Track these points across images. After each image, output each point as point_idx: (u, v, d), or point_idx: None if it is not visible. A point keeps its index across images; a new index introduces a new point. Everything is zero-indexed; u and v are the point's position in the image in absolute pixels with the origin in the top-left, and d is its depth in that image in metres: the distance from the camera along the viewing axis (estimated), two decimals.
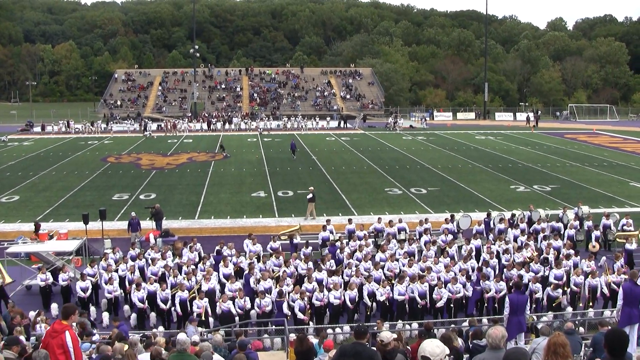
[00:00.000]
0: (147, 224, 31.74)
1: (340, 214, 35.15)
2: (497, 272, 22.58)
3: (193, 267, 22.80)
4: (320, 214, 34.59)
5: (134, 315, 21.07)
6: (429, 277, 21.34)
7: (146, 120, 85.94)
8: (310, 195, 34.38)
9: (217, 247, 24.80)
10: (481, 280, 21.23)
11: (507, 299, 15.74)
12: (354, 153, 60.40)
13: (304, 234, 29.59)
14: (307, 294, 20.25)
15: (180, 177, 47.40)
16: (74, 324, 10.84)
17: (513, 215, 30.52)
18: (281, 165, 52.65)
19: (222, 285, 21.69)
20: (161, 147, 65.01)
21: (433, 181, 45.11)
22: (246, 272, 22.27)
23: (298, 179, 46.18)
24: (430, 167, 51.52)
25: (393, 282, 21.34)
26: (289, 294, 20.25)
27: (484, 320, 18.60)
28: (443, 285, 20.92)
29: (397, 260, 23.44)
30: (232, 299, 20.12)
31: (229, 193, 41.44)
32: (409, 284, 20.85)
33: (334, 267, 22.75)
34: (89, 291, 21.90)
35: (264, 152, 61.43)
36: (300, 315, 19.61)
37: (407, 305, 20.75)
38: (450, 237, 26.48)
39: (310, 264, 22.65)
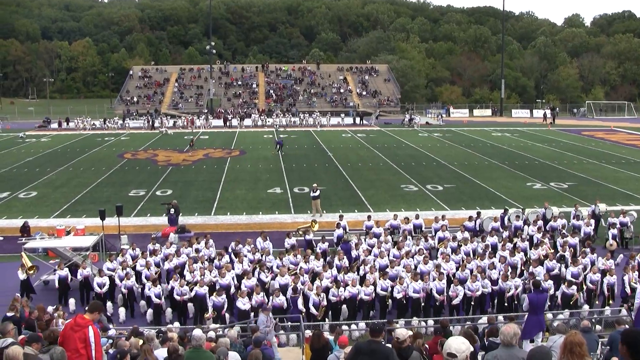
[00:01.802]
0: (163, 219, 32.09)
1: (356, 211, 35.23)
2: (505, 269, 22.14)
3: (207, 263, 22.90)
4: (335, 211, 34.43)
5: (150, 311, 21.16)
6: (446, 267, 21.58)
7: (153, 115, 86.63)
8: (314, 193, 34.16)
9: (232, 244, 24.79)
10: (501, 280, 21.11)
11: (526, 298, 15.61)
12: (370, 150, 60.32)
13: (319, 231, 29.54)
14: (321, 290, 20.30)
15: (197, 173, 47.49)
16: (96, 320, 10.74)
17: (504, 212, 30.35)
18: (297, 162, 52.71)
19: (238, 282, 21.69)
20: (177, 143, 65.09)
21: (449, 178, 44.96)
22: (252, 269, 22.41)
23: (314, 175, 46.05)
24: (446, 163, 51.35)
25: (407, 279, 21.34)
26: (302, 290, 20.35)
27: (500, 317, 18.47)
28: (459, 282, 20.97)
29: (413, 257, 23.35)
30: (249, 294, 20.12)
31: (245, 189, 41.49)
32: (427, 282, 20.88)
33: (347, 264, 22.63)
34: (106, 287, 22.02)
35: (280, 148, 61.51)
36: (313, 310, 19.59)
37: (422, 303, 20.69)
38: (467, 234, 26.21)
39: (322, 261, 22.87)
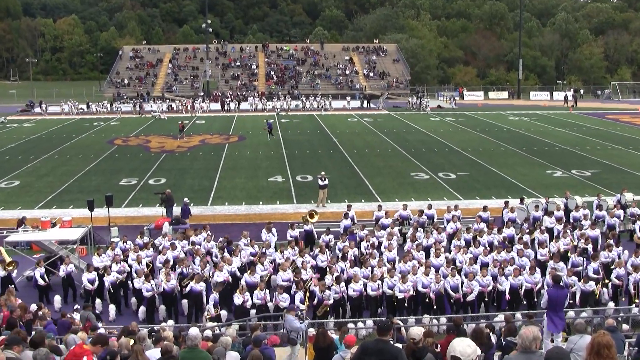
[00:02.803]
0: (156, 210, 32.18)
1: (362, 200, 35.40)
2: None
3: (202, 256, 22.99)
4: (341, 200, 34.78)
5: (142, 309, 21.16)
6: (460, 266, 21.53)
7: (140, 100, 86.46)
8: (322, 182, 34.10)
9: (221, 239, 24.83)
10: (527, 275, 20.88)
11: (545, 294, 15.51)
12: (377, 135, 60.45)
13: (324, 222, 29.54)
14: (326, 285, 20.12)
15: (192, 160, 47.66)
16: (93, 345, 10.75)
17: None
18: (300, 148, 52.84)
19: (234, 277, 21.80)
20: (172, 129, 65.01)
21: (462, 165, 45.09)
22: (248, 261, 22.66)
23: (318, 162, 46.15)
24: (459, 150, 51.46)
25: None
26: (306, 285, 20.38)
27: (518, 315, 18.42)
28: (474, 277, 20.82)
29: (424, 250, 23.42)
30: (251, 290, 20.20)
31: (244, 178, 41.57)
32: (441, 277, 20.78)
33: (354, 258, 22.81)
34: (97, 283, 21.92)
35: (281, 133, 61.55)
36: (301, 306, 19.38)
37: (432, 299, 20.66)
38: (482, 225, 26.15)
39: (328, 254, 22.82)
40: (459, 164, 45.45)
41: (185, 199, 31.26)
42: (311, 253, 23.21)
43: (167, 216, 30.86)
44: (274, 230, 25.55)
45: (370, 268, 21.49)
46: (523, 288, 20.62)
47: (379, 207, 28.96)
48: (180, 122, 61.43)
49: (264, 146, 54.05)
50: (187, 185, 39.55)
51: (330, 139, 57.91)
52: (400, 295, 20.09)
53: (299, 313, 16.68)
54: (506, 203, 29.38)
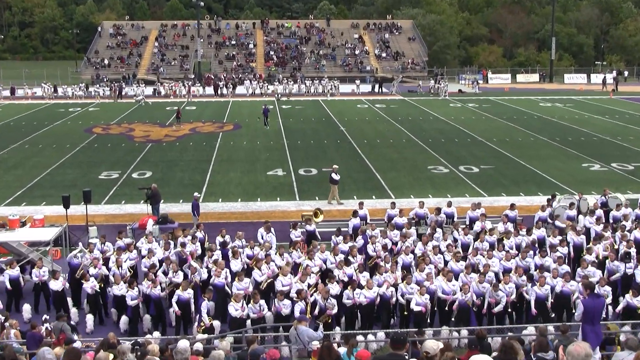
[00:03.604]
0: (141, 207, 32.15)
1: (374, 197, 35.36)
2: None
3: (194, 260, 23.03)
4: (349, 197, 34.89)
5: (124, 319, 21.14)
6: (488, 276, 21.30)
7: (121, 84, 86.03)
8: (336, 176, 34.31)
9: (218, 237, 24.90)
10: (561, 283, 20.76)
11: (580, 305, 15.44)
12: (390, 123, 60.60)
13: (331, 221, 29.58)
14: (331, 292, 20.23)
15: (182, 151, 47.87)
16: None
17: (552, 198, 30.19)
18: (303, 138, 52.94)
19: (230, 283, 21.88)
20: (158, 116, 64.98)
21: (487, 158, 45.13)
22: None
23: (323, 154, 46.46)
24: (483, 140, 51.53)
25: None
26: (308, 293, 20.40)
27: (550, 327, 18.14)
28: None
29: (442, 253, 23.45)
30: (245, 299, 20.24)
31: (239, 171, 41.71)
32: (469, 288, 20.76)
33: (363, 261, 22.95)
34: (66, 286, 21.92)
35: (282, 121, 61.68)
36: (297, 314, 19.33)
37: (450, 308, 20.69)
38: (509, 225, 26.17)
39: (356, 259, 22.91)
40: (483, 156, 45.46)
41: (196, 194, 31.49)
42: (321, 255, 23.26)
43: (153, 214, 30.91)
44: (272, 230, 25.64)
45: (383, 273, 21.51)
46: (550, 299, 20.57)
47: (392, 204, 28.92)
48: (177, 107, 61.78)
49: (262, 135, 54.14)
50: (176, 179, 39.73)
51: (337, 128, 58.03)
52: (417, 309, 20.08)
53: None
54: (549, 199, 29.36)
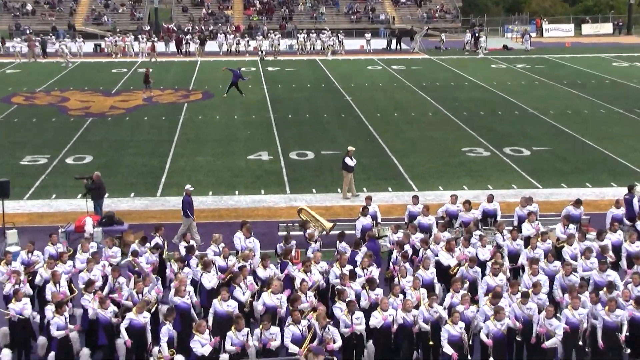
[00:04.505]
0: (78, 203, 31.10)
1: (390, 189, 33.93)
2: None
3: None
4: (358, 188, 33.25)
5: (52, 354, 19.24)
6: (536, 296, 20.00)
7: (43, 37, 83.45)
8: (352, 162, 32.73)
9: (182, 242, 23.77)
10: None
11: None
12: (412, 91, 58.60)
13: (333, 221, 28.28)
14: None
15: (133, 128, 46.25)
16: None
17: (630, 190, 28.78)
18: (295, 111, 51.05)
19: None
20: (100, 80, 63.15)
21: (541, 136, 43.68)
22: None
23: (322, 132, 45.08)
24: (536, 113, 49.86)
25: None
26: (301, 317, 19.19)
27: None
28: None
29: (484, 265, 21.96)
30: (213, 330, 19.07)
31: (211, 155, 40.28)
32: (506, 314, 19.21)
33: (376, 274, 21.49)
34: None
35: (267, 89, 59.68)
36: (292, 348, 18.29)
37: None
38: (572, 228, 24.61)
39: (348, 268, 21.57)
40: (536, 135, 43.92)
41: (188, 186, 29.05)
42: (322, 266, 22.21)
43: (95, 212, 29.60)
44: (251, 233, 24.56)
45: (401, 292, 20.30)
46: (625, 329, 18.91)
47: (415, 198, 27.39)
48: (145, 69, 60.65)
49: (240, 107, 52.18)
50: (126, 165, 38.23)
51: (340, 97, 55.92)
52: (448, 350, 18.33)
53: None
54: (628, 191, 28.17)
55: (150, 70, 60.63)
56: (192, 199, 29.03)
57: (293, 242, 24.28)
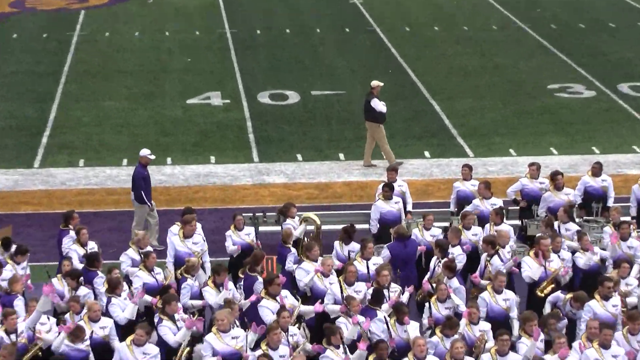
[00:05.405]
0: None
1: (427, 153, 29.40)
2: None
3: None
4: (376, 154, 28.52)
5: None
6: None
7: None
8: (382, 105, 28.44)
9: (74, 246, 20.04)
10: None
11: None
12: None
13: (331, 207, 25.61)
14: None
15: None
16: None
17: None
18: (266, 24, 43.95)
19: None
20: None
21: None
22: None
23: (313, 59, 38.96)
24: None
25: None
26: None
27: None
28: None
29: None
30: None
31: (125, 97, 34.62)
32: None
33: (406, 297, 18.21)
34: None
35: None
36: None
37: None
38: None
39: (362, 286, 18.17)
40: None
41: (145, 151, 24.69)
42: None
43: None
44: (199, 229, 20.75)
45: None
46: None
47: (467, 169, 23.43)
48: None
49: (175, 15, 45.27)
50: None
51: (352, 7, 46.92)
52: None
53: None
54: None
55: None
56: (148, 172, 24.75)
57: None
